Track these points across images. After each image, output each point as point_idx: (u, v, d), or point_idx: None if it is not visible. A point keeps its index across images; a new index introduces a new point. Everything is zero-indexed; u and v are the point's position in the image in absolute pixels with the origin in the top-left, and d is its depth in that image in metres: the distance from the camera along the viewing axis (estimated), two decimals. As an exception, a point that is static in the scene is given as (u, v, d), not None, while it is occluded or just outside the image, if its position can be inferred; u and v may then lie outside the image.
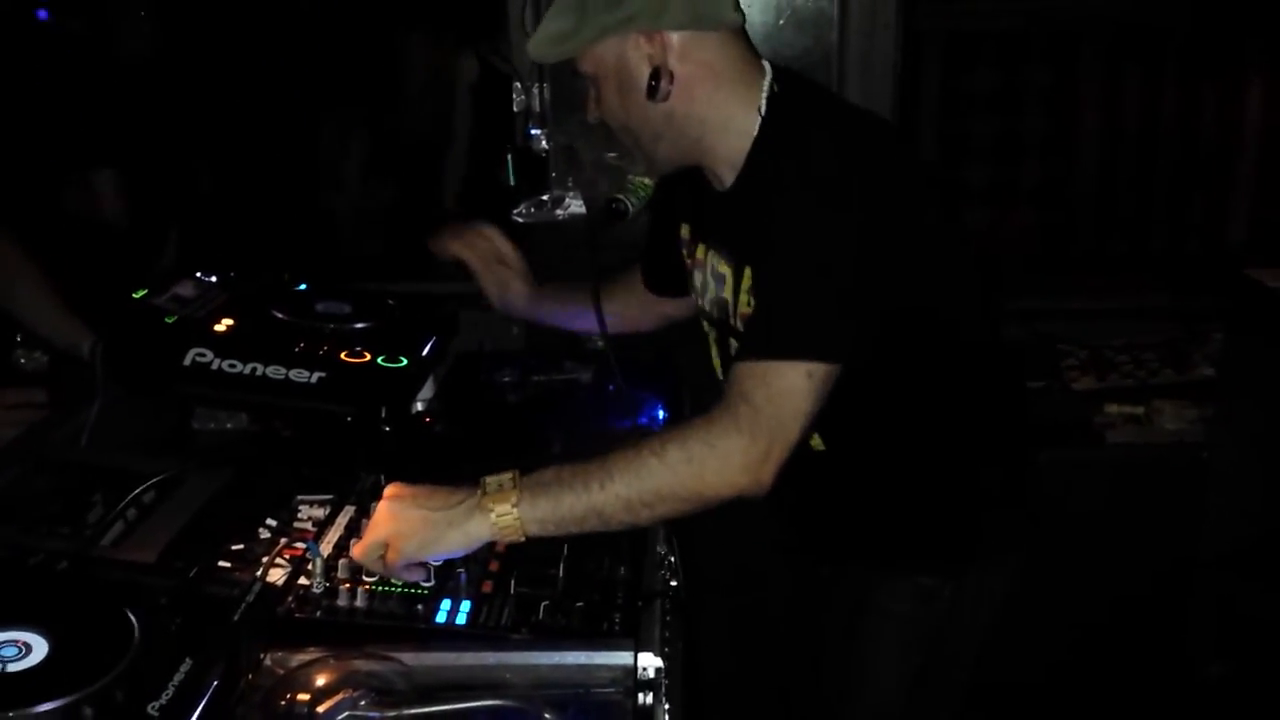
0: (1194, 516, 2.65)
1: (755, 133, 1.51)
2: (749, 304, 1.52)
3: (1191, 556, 2.65)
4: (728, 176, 1.57)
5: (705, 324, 1.72)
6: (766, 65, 1.56)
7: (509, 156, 2.82)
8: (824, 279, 1.40)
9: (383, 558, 1.37)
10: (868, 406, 1.55)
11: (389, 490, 1.44)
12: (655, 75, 1.49)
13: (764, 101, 1.51)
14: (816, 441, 1.59)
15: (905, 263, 1.45)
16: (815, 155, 1.44)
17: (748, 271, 1.53)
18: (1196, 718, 2.59)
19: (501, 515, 1.35)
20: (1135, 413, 2.77)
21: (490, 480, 1.38)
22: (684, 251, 1.76)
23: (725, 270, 1.59)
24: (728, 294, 1.59)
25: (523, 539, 1.36)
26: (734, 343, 1.59)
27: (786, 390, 1.37)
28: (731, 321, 1.59)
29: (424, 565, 1.39)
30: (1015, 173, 3.68)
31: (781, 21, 2.65)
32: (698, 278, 1.70)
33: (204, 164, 3.80)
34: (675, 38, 1.48)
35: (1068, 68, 3.61)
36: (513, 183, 2.86)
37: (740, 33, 1.55)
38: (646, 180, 1.71)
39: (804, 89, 1.60)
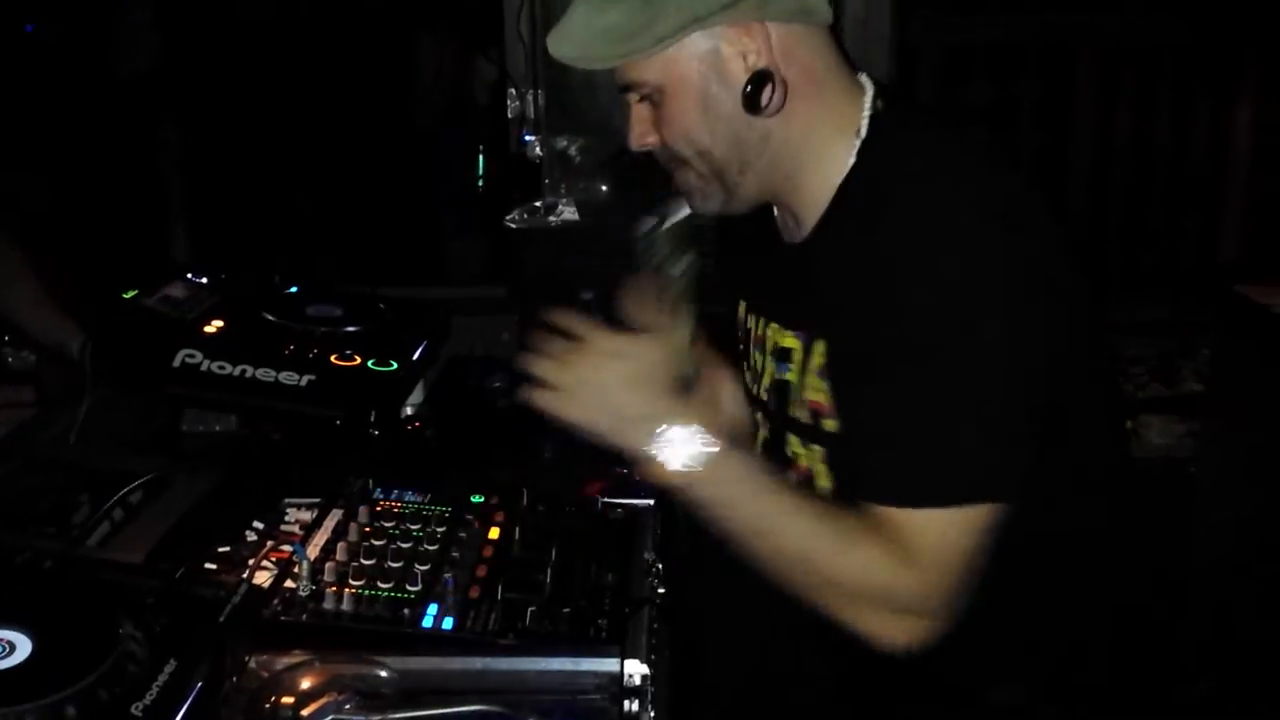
0: (1181, 531, 2.66)
1: (851, 162, 1.20)
2: (820, 389, 1.23)
3: (1179, 571, 2.66)
4: (809, 221, 1.25)
5: (758, 415, 1.40)
6: (865, 79, 1.26)
7: (480, 158, 2.83)
8: (987, 398, 1.09)
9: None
10: None
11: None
12: (757, 80, 1.16)
13: (864, 123, 1.20)
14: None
15: (1048, 361, 1.15)
16: (946, 209, 1.10)
17: (820, 347, 1.22)
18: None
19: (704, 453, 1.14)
20: (1124, 427, 2.78)
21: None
22: (740, 328, 1.41)
23: (792, 344, 1.27)
24: (792, 375, 1.27)
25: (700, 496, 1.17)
26: (792, 439, 1.29)
27: (959, 545, 1.10)
28: (791, 412, 1.28)
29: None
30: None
31: (776, 33, 2.66)
32: (755, 359, 1.37)
33: (203, 166, 3.80)
34: (777, 31, 1.17)
35: (1062, 82, 3.63)
36: (480, 185, 2.86)
37: (833, 30, 1.24)
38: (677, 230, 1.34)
39: (918, 113, 1.29)
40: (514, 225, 2.70)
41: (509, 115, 2.68)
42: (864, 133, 1.20)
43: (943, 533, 1.09)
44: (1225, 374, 2.68)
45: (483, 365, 2.25)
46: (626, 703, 1.22)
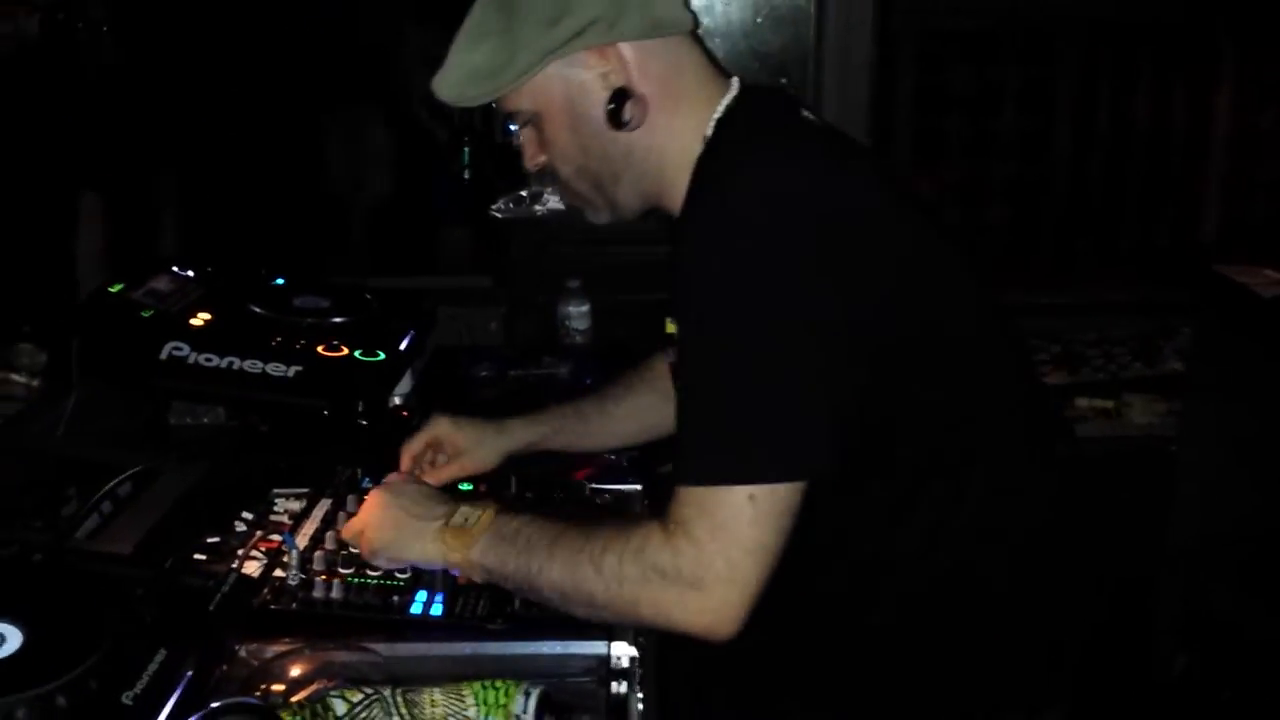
0: (1162, 510, 2.68)
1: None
2: None
3: (1159, 549, 2.69)
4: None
5: None
6: (735, 82, 1.31)
7: (464, 148, 2.82)
8: (754, 378, 1.12)
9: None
10: (831, 522, 1.24)
11: (391, 476, 1.47)
12: (617, 97, 1.24)
13: (712, 124, 1.26)
14: None
15: (871, 348, 1.17)
16: (735, 208, 1.15)
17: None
18: (1161, 710, 2.63)
19: (453, 551, 1.30)
20: (1105, 407, 2.81)
21: (461, 511, 1.33)
22: None
23: (672, 330, 1.33)
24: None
25: (479, 580, 1.31)
26: None
27: (730, 519, 1.13)
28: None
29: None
30: (989, 170, 3.71)
31: (760, 19, 2.66)
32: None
33: (190, 161, 3.76)
34: (630, 50, 1.24)
35: (1042, 66, 3.64)
36: (466, 176, 2.85)
37: (695, 38, 1.30)
38: None
39: (761, 109, 1.30)
40: (499, 215, 2.71)
41: (492, 105, 2.68)
42: (709, 135, 1.26)
43: (722, 505, 1.13)
44: (1206, 354, 2.70)
45: (470, 355, 2.26)
46: (614, 685, 1.24)
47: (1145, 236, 3.71)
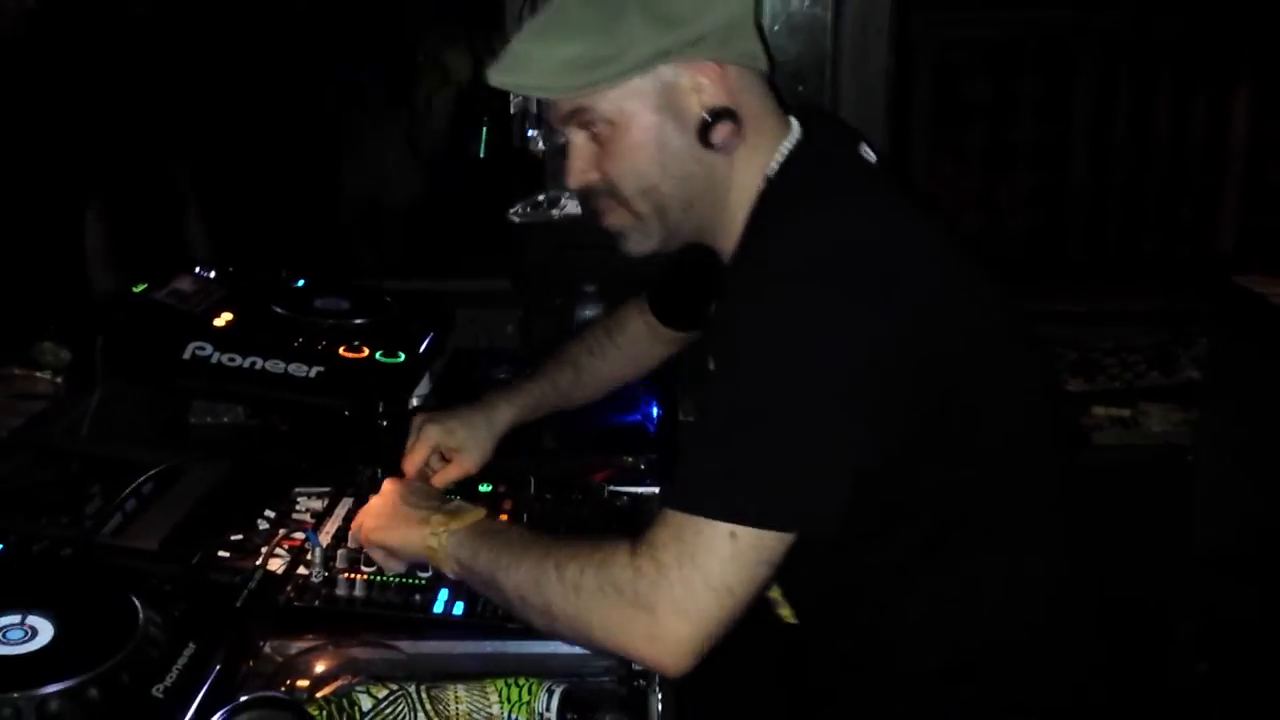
0: (1179, 518, 2.68)
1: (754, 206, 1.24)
2: None
3: (1177, 558, 2.68)
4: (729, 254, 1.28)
5: None
6: (795, 123, 1.28)
7: (483, 129, 2.83)
8: (777, 424, 1.09)
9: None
10: (852, 573, 1.25)
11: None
12: (718, 116, 1.19)
13: (776, 164, 1.24)
14: (786, 611, 1.35)
15: (918, 395, 1.14)
16: (800, 251, 1.12)
17: None
18: (1181, 716, 2.62)
19: (432, 537, 1.31)
20: (1122, 415, 2.81)
21: (455, 504, 1.38)
22: None
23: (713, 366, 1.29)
24: None
25: (451, 574, 1.31)
26: None
27: (702, 551, 1.09)
28: None
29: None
30: (1007, 180, 3.71)
31: (776, 27, 2.67)
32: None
33: (205, 159, 3.78)
34: (735, 72, 1.21)
35: (1060, 76, 3.65)
36: (482, 155, 2.86)
37: (769, 78, 1.29)
38: None
39: (826, 151, 1.27)
40: (516, 219, 2.72)
41: (511, 111, 2.70)
42: (773, 174, 1.23)
43: (699, 535, 1.09)
44: (1223, 363, 2.70)
45: (488, 357, 2.28)
46: (635, 684, 1.24)
47: (1163, 246, 3.71)
